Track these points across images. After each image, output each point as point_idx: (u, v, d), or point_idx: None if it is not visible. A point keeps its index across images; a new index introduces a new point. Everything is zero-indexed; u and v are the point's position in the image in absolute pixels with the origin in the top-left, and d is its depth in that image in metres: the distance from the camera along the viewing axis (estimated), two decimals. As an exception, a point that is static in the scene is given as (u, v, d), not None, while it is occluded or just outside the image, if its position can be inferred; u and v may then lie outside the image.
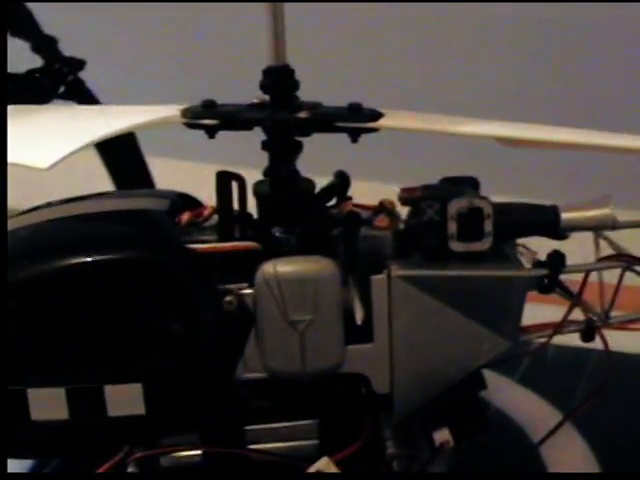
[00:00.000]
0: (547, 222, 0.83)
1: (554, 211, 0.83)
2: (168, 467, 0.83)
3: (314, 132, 0.78)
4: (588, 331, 0.86)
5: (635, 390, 1.01)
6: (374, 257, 0.81)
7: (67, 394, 0.77)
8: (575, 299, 0.83)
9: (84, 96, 0.96)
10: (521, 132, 0.80)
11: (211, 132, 0.79)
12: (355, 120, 0.77)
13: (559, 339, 0.85)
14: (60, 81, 0.92)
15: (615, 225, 0.83)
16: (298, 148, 0.80)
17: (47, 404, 0.78)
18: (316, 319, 0.78)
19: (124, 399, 0.78)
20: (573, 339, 0.85)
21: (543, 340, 0.86)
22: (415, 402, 0.83)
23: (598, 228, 0.84)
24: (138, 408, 0.78)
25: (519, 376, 1.03)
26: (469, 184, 0.85)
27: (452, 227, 0.80)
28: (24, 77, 0.88)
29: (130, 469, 0.80)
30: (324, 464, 0.75)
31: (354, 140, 0.80)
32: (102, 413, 0.78)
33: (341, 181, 0.86)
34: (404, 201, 0.82)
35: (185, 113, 0.79)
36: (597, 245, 0.86)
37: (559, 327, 0.85)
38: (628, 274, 0.85)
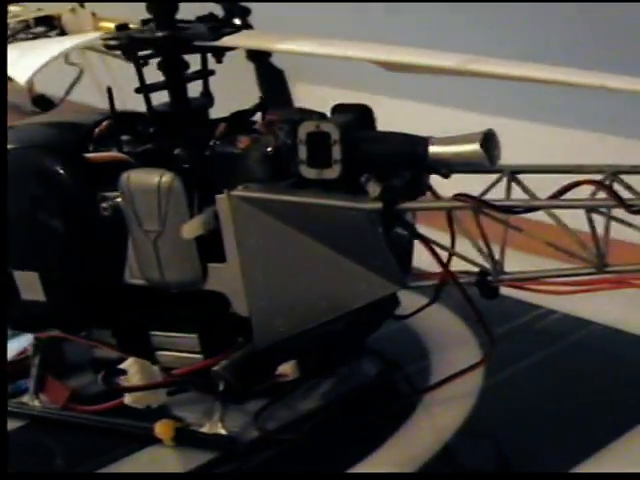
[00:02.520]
0: (412, 154, 0.75)
1: (423, 143, 0.75)
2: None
3: (174, 52, 0.81)
4: (482, 285, 0.76)
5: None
6: (235, 178, 0.81)
7: None
8: (423, 239, 0.74)
9: None
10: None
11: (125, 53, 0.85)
12: (211, 38, 0.79)
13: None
14: (226, 26, 1.03)
15: (490, 165, 0.73)
16: (168, 66, 0.82)
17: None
18: (164, 230, 0.81)
19: (28, 285, 0.88)
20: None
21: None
22: (279, 331, 0.81)
23: (470, 167, 0.74)
24: (39, 295, 0.88)
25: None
26: (360, 113, 0.80)
27: (302, 152, 0.77)
28: (193, 23, 1.00)
29: (32, 353, 0.89)
30: (129, 363, 0.78)
31: (218, 60, 0.82)
32: (18, 295, 0.89)
33: (258, 106, 0.87)
34: (267, 124, 0.80)
35: (104, 37, 0.86)
36: (508, 188, 0.75)
37: (444, 276, 0.77)
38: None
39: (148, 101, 0.83)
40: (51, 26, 1.02)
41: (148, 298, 0.86)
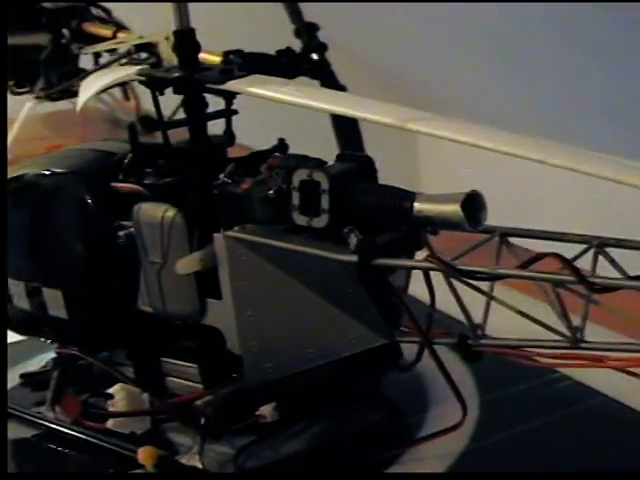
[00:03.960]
0: (397, 208, 0.74)
1: (409, 198, 0.74)
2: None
3: (189, 93, 0.83)
4: (461, 348, 0.74)
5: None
6: (238, 218, 0.82)
7: (25, 288, 0.95)
8: (399, 299, 0.73)
9: (327, 76, 1.09)
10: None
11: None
12: (218, 82, 0.80)
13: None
14: (302, 61, 1.07)
15: (469, 227, 0.71)
16: (186, 105, 0.85)
17: (18, 294, 0.97)
18: (166, 263, 0.83)
19: (54, 302, 0.93)
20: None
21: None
22: (268, 372, 0.82)
23: (451, 226, 0.72)
24: (63, 312, 0.92)
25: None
26: (361, 163, 0.80)
27: (295, 198, 0.78)
28: (271, 57, 1.04)
29: (52, 367, 0.93)
30: (116, 389, 0.81)
31: (227, 102, 0.84)
32: (45, 310, 0.94)
33: (277, 147, 0.88)
34: (268, 167, 0.81)
35: (138, 73, 0.90)
36: (499, 250, 0.74)
37: (426, 335, 0.76)
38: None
39: (165, 137, 0.87)
40: (151, 52, 1.06)
41: (158, 325, 0.89)
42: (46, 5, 1.57)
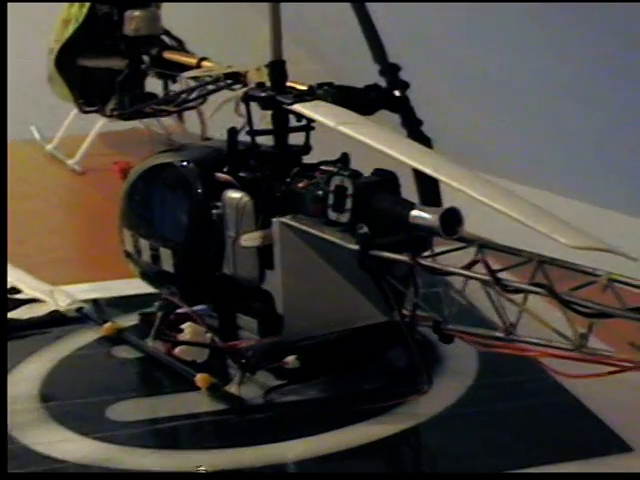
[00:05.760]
0: (397, 214, 0.94)
1: (407, 206, 0.94)
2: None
3: (268, 109, 1.07)
4: (436, 330, 0.94)
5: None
6: (294, 209, 1.05)
7: (149, 246, 1.23)
8: (389, 284, 0.93)
9: (406, 112, 1.31)
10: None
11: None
12: (289, 103, 1.04)
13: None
14: (386, 96, 1.29)
15: (445, 236, 0.91)
16: (272, 119, 1.08)
17: (145, 250, 1.24)
18: (237, 238, 1.08)
19: (166, 259, 1.20)
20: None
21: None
22: (302, 330, 1.05)
23: (432, 234, 0.92)
24: (171, 268, 1.19)
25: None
26: (387, 178, 1.01)
27: (330, 198, 1.00)
28: (359, 90, 1.18)
29: (157, 310, 1.20)
30: (186, 325, 1.06)
31: (297, 120, 1.06)
32: (160, 265, 1.21)
33: (340, 159, 1.10)
34: (320, 172, 1.03)
35: (245, 92, 1.15)
36: (475, 256, 0.92)
37: (403, 316, 0.96)
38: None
39: (254, 142, 1.11)
40: (237, 81, 1.28)
41: (234, 286, 1.14)
42: (127, 33, 1.84)
